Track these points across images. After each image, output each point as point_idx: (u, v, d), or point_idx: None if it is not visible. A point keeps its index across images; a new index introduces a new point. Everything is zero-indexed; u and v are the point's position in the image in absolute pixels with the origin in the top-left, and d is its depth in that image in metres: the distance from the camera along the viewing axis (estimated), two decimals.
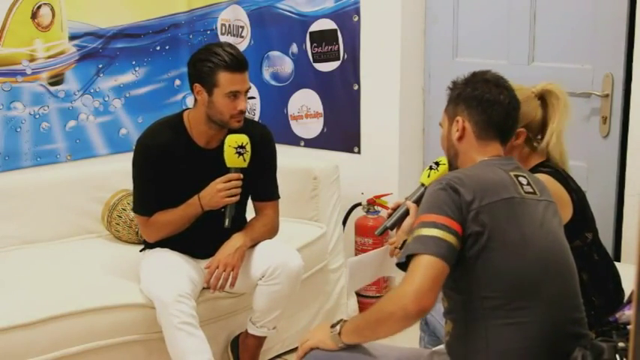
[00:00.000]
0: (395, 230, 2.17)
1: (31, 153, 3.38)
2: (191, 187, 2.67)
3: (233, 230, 2.70)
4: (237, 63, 2.62)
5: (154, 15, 3.76)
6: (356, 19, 3.64)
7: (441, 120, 2.04)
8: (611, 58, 3.05)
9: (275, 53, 3.96)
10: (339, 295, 3.37)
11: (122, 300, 2.64)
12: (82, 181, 3.35)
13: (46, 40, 3.39)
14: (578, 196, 2.21)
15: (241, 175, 2.65)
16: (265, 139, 2.81)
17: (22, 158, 3.36)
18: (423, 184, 2.15)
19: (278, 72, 3.97)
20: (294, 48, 3.87)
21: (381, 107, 3.65)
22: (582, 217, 2.21)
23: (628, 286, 2.22)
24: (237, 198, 2.64)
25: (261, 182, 2.81)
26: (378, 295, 3.57)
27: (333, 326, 1.95)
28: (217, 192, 2.62)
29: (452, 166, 2.03)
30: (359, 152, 3.77)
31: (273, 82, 4.00)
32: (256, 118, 4.03)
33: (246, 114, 2.74)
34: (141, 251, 2.88)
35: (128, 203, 3.21)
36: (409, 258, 1.76)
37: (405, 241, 1.96)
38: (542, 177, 2.08)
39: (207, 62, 2.61)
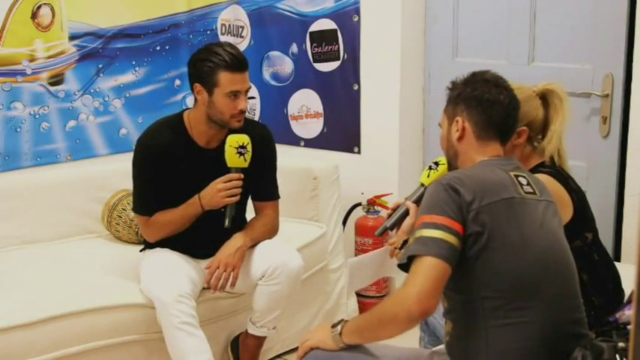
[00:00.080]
0: (395, 230, 2.17)
1: (31, 153, 3.38)
2: (191, 187, 2.67)
3: (233, 230, 2.70)
4: (238, 63, 2.62)
5: (154, 15, 3.75)
6: (356, 19, 3.64)
7: (441, 120, 2.04)
8: (611, 58, 3.05)
9: (275, 53, 3.96)
10: (339, 295, 3.37)
11: (122, 300, 2.64)
12: (82, 181, 3.35)
13: (46, 40, 3.39)
14: (578, 196, 2.21)
15: (242, 175, 2.65)
16: (265, 139, 2.81)
17: (22, 158, 3.36)
18: (422, 184, 2.15)
19: (278, 72, 3.97)
20: (294, 48, 3.87)
21: (381, 107, 3.65)
22: (582, 217, 2.21)
23: (628, 286, 2.21)
24: (237, 198, 2.64)
25: (261, 182, 2.81)
26: (378, 295, 3.57)
27: (334, 326, 1.95)
28: (217, 192, 2.62)
29: (451, 166, 2.02)
30: (359, 152, 3.77)
31: (273, 82, 4.00)
32: (256, 118, 4.03)
33: (246, 114, 2.74)
34: (141, 251, 2.88)
35: (128, 203, 3.21)
36: (411, 259, 1.76)
37: (405, 242, 1.96)
38: (542, 177, 2.07)
39: (208, 62, 2.61)
